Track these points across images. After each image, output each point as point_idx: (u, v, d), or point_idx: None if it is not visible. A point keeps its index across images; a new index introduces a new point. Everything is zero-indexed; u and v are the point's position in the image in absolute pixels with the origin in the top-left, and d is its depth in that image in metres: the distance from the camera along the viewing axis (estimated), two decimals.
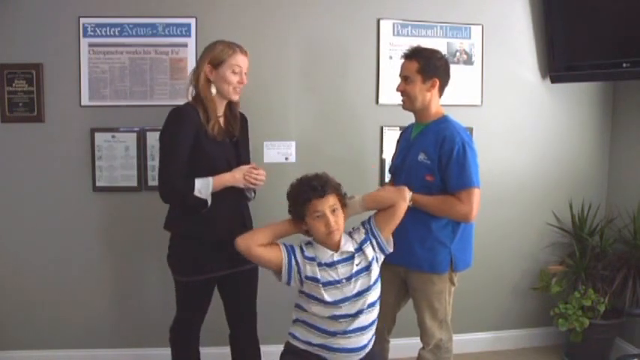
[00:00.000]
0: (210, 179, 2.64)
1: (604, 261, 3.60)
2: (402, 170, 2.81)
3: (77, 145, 3.41)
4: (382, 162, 3.63)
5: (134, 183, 3.43)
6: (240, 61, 2.71)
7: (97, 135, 3.41)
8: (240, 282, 2.76)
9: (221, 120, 2.76)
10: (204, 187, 2.63)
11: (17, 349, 3.50)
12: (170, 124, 2.71)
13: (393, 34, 3.60)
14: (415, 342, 2.92)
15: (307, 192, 2.35)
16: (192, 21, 3.42)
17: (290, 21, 3.50)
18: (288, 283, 2.41)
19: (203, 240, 2.68)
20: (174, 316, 2.89)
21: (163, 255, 2.79)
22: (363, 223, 2.52)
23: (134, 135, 3.42)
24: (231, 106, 2.80)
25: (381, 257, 2.50)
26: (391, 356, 3.03)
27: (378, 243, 2.48)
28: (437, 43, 3.46)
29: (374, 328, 2.48)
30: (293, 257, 2.41)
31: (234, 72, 2.69)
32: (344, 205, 2.43)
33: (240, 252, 2.37)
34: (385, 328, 2.96)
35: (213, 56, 2.70)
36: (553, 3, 3.60)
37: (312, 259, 2.41)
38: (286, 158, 3.56)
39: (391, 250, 2.51)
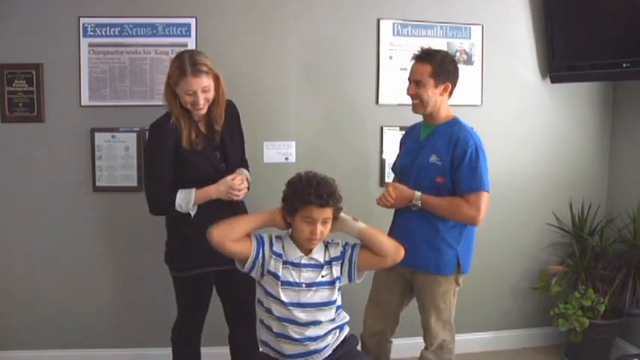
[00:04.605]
0: (192, 193, 2.67)
1: (604, 261, 3.60)
2: (412, 171, 2.80)
3: (77, 145, 3.41)
4: (382, 162, 3.62)
5: (134, 183, 3.43)
6: (193, 84, 2.59)
7: (97, 135, 3.40)
8: (238, 281, 2.76)
9: (201, 125, 2.74)
10: (184, 201, 2.67)
11: (16, 349, 3.50)
12: (149, 140, 2.79)
13: (393, 34, 3.60)
14: (416, 342, 2.94)
15: (310, 195, 2.32)
16: (192, 21, 3.40)
17: (290, 21, 3.50)
18: (249, 273, 2.41)
19: (196, 238, 2.64)
20: (176, 316, 2.90)
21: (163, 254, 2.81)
22: (345, 245, 2.49)
23: (134, 135, 3.42)
24: (210, 108, 2.73)
25: (344, 282, 2.47)
26: (393, 356, 3.03)
27: (349, 270, 2.46)
28: (437, 43, 3.46)
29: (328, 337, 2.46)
30: (261, 251, 2.40)
31: (187, 94, 2.61)
32: (335, 218, 2.41)
33: (212, 243, 2.32)
34: (388, 329, 2.97)
35: (169, 74, 2.66)
36: (553, 3, 3.60)
37: (279, 255, 2.41)
38: (286, 158, 3.56)
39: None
